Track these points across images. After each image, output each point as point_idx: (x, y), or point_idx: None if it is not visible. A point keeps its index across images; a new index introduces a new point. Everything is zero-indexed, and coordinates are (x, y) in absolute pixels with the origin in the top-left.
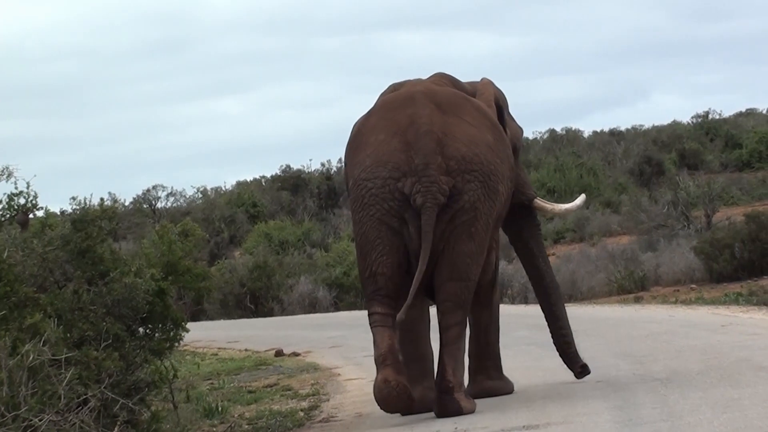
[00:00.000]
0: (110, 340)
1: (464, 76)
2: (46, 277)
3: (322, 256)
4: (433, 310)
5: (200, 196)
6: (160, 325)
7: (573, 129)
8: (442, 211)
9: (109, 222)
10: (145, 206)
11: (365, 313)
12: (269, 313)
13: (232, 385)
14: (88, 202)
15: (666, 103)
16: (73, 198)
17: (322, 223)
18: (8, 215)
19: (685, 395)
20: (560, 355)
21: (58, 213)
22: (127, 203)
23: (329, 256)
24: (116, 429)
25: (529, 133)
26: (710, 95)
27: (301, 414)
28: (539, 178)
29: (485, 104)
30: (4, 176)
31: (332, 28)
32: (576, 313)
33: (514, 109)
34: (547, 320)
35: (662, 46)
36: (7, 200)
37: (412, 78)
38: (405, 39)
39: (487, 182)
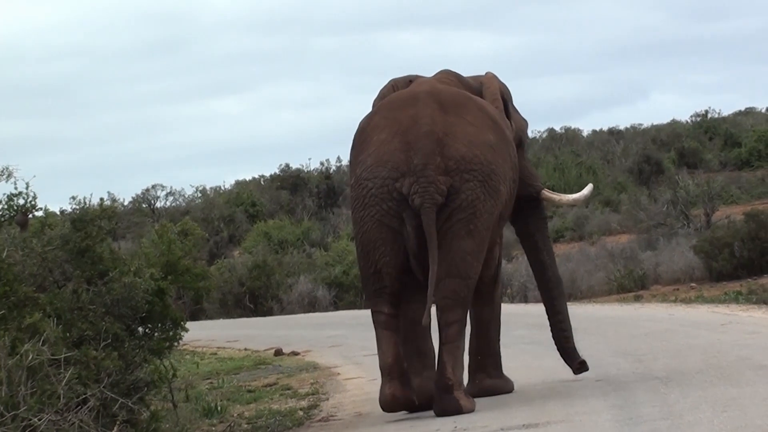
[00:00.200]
0: (109, 340)
1: (465, 74)
2: (46, 277)
3: (322, 256)
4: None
5: (199, 195)
6: (159, 325)
7: (572, 128)
8: (440, 210)
9: (108, 221)
10: (144, 206)
11: (365, 312)
12: (268, 313)
13: (231, 384)
14: (87, 202)
15: (665, 102)
16: (73, 197)
17: (322, 222)
18: (8, 216)
19: (685, 394)
20: (558, 350)
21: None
22: (126, 203)
23: (328, 256)
24: (115, 428)
25: (528, 132)
26: (709, 94)
27: (301, 413)
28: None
29: (491, 98)
30: (4, 177)
31: (331, 27)
32: (576, 312)
33: None
34: (547, 314)
35: (661, 45)
36: (7, 201)
37: (411, 73)
38: (404, 39)
39: (487, 182)
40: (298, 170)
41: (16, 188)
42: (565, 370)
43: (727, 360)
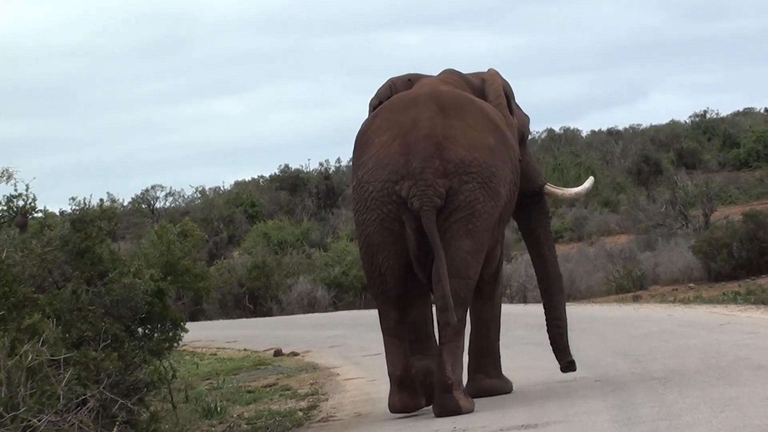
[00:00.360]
0: (109, 341)
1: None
2: (45, 278)
3: (321, 256)
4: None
5: (199, 196)
6: (159, 326)
7: (571, 128)
8: (439, 212)
9: (108, 222)
10: (143, 206)
11: (364, 312)
12: (268, 313)
13: (231, 385)
14: (86, 203)
15: (664, 103)
16: (72, 198)
17: (321, 222)
18: (7, 217)
19: (684, 394)
20: (551, 345)
21: (57, 213)
22: (125, 203)
23: (328, 256)
24: (115, 429)
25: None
26: (708, 94)
27: (300, 414)
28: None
29: (495, 95)
30: (4, 178)
31: (331, 28)
32: (575, 313)
33: None
34: (544, 309)
35: (660, 45)
36: (6, 202)
37: (412, 72)
38: (404, 39)
39: (487, 183)
40: (298, 171)
41: (15, 190)
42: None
43: (725, 360)
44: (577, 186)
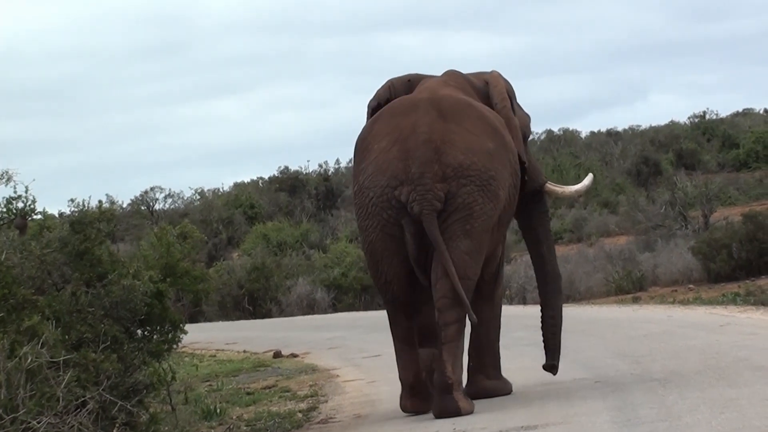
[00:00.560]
0: (108, 342)
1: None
2: (44, 279)
3: (320, 258)
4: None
5: (198, 197)
6: (158, 327)
7: (570, 129)
8: (438, 215)
9: (107, 224)
10: (143, 208)
11: (364, 314)
12: (267, 315)
13: (230, 386)
14: (86, 204)
15: (663, 103)
16: (72, 200)
17: (320, 224)
18: (7, 219)
19: (683, 395)
20: (543, 343)
21: (57, 215)
22: (125, 205)
23: (327, 257)
24: (114, 431)
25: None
26: (707, 95)
27: (300, 415)
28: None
29: (499, 97)
30: (3, 180)
31: (330, 29)
32: (574, 314)
33: None
34: (541, 307)
35: (659, 46)
36: (6, 204)
37: (411, 72)
38: (403, 40)
39: (485, 186)
40: (297, 172)
41: (15, 191)
42: (564, 372)
43: (725, 361)
44: (577, 184)
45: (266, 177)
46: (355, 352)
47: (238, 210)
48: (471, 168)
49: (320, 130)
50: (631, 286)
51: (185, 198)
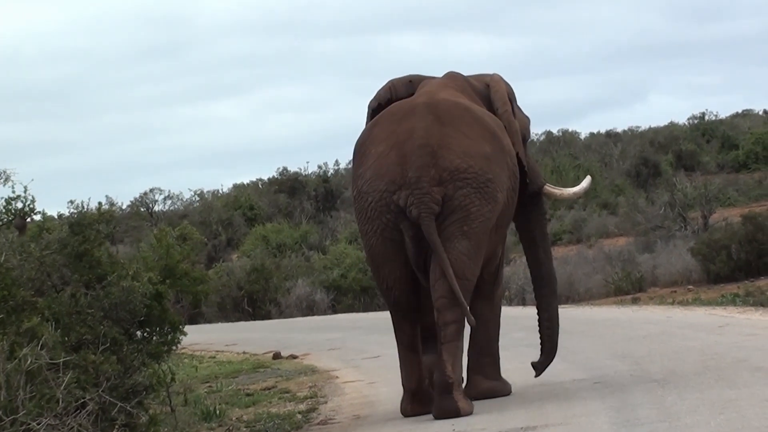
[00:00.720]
0: (108, 344)
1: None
2: (44, 281)
3: (320, 259)
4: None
5: (197, 199)
6: (157, 329)
7: (569, 130)
8: (436, 218)
9: (106, 225)
10: (142, 209)
11: (363, 315)
12: (267, 316)
13: (230, 388)
14: (85, 206)
15: (662, 105)
16: (71, 201)
17: (320, 225)
18: (5, 219)
19: (683, 396)
20: (540, 345)
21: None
22: (124, 206)
23: (327, 259)
24: None
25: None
26: (707, 96)
27: (299, 417)
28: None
29: (500, 100)
30: (2, 180)
31: (329, 30)
32: (573, 315)
33: None
34: (537, 309)
35: (659, 47)
36: (5, 204)
37: (412, 73)
38: (403, 41)
39: (482, 189)
40: (296, 173)
41: (14, 192)
42: (562, 373)
43: (724, 362)
44: (576, 186)
45: (265, 178)
46: (354, 354)
47: (237, 211)
48: (468, 171)
49: (320, 131)
50: (630, 287)
51: (184, 199)
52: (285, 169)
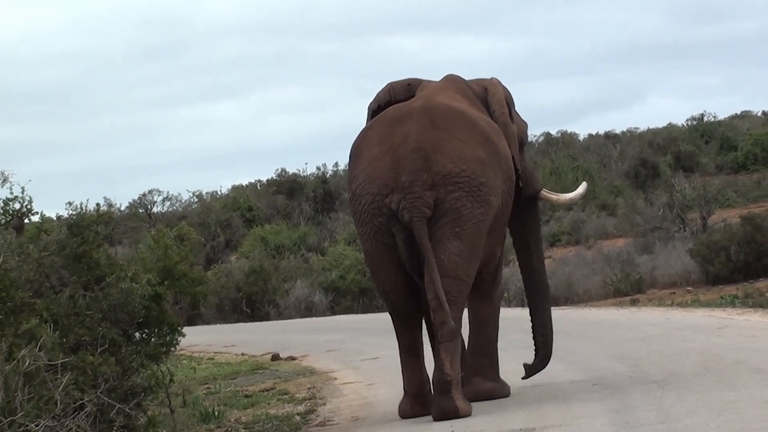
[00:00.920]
0: (106, 345)
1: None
2: (42, 282)
3: (319, 260)
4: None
5: (196, 200)
6: (156, 330)
7: (568, 132)
8: (429, 222)
9: (105, 227)
10: (141, 211)
11: (362, 316)
12: (265, 318)
13: (228, 389)
14: (84, 207)
15: (661, 106)
16: (69, 203)
17: (318, 227)
18: (3, 220)
19: (682, 398)
20: (534, 351)
21: (54, 218)
22: (122, 208)
23: (325, 260)
24: None
25: (528, 134)
26: (705, 97)
27: (298, 418)
28: (538, 177)
29: (498, 105)
30: (0, 181)
31: (328, 31)
32: (572, 316)
33: None
34: (530, 316)
35: (657, 48)
36: (2, 205)
37: (411, 75)
38: (401, 42)
39: (475, 192)
40: (295, 175)
41: (11, 193)
42: (561, 374)
43: (723, 363)
44: (573, 191)
45: (264, 180)
46: (353, 355)
47: (236, 213)
48: (460, 175)
49: (318, 132)
50: (629, 289)
51: (183, 201)
52: (284, 170)
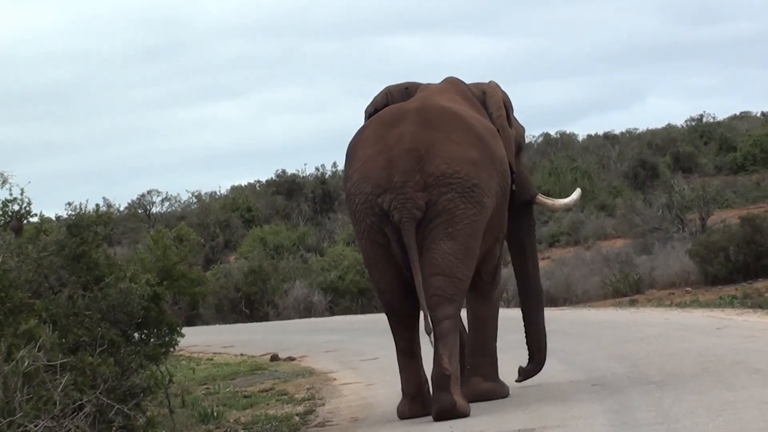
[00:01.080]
0: (105, 346)
1: (466, 80)
2: (41, 283)
3: (317, 261)
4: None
5: (195, 200)
6: (155, 330)
7: (567, 132)
8: (419, 224)
9: (104, 227)
10: (140, 211)
11: (361, 317)
12: (264, 318)
13: (227, 390)
14: (83, 208)
15: (660, 107)
16: (68, 203)
17: (317, 227)
18: (2, 221)
19: (681, 398)
20: (528, 356)
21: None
22: (122, 208)
23: (324, 261)
24: None
25: (525, 138)
26: (705, 98)
27: (297, 419)
28: (533, 181)
29: (495, 107)
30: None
31: (327, 32)
32: (571, 317)
33: None
34: (524, 321)
35: (657, 49)
36: (1, 206)
37: (408, 79)
38: (400, 43)
39: (467, 193)
40: (294, 175)
41: (11, 194)
42: (560, 375)
43: (722, 364)
44: (571, 194)
45: (263, 180)
46: (352, 355)
47: (235, 213)
48: (453, 177)
49: (317, 133)
50: (628, 289)
51: (182, 201)
52: (283, 170)
